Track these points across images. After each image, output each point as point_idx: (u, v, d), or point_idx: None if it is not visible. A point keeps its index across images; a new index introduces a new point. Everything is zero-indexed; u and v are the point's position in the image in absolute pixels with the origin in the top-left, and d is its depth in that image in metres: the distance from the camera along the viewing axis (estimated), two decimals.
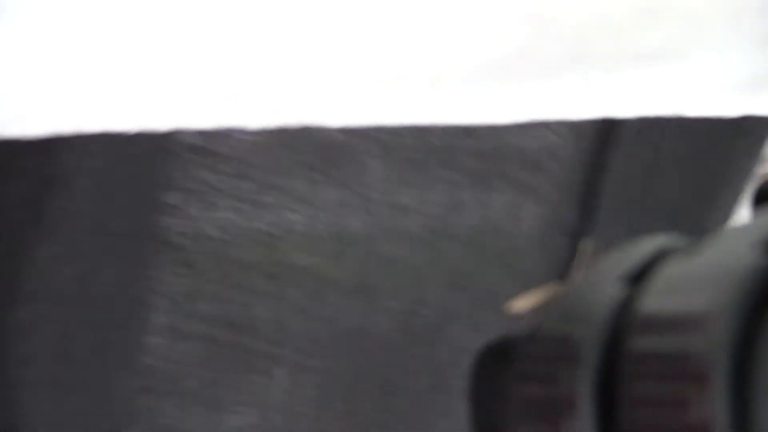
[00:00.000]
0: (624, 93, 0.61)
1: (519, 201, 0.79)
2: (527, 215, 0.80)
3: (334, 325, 0.74)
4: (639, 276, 0.45)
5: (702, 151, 0.85)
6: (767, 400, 0.38)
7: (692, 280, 0.42)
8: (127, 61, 0.43)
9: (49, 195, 0.55)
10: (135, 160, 0.57)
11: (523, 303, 0.86)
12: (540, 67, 0.55)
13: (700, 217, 0.85)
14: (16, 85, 0.43)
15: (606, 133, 0.82)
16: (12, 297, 0.56)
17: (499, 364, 0.48)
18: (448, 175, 0.74)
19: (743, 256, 0.41)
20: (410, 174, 0.71)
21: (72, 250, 0.58)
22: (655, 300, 0.43)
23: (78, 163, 0.55)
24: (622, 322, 0.44)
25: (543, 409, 0.46)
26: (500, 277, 0.82)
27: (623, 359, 0.43)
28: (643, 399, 0.42)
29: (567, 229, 0.84)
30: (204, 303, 0.66)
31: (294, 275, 0.70)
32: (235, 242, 0.66)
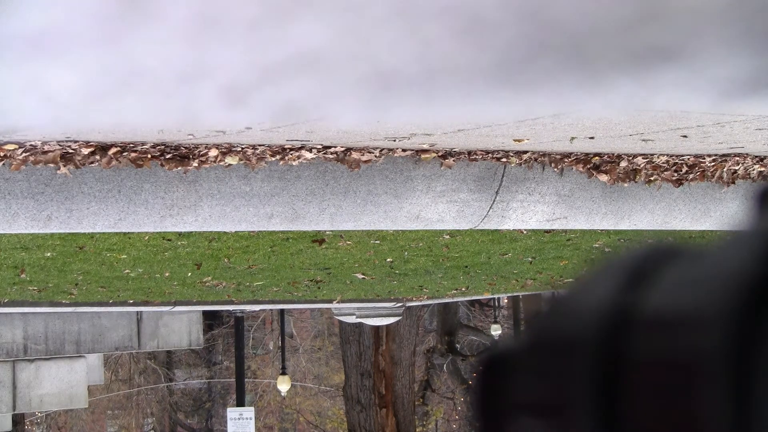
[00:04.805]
0: (624, 93, 0.61)
1: None
2: None
3: None
4: (641, 279, 0.45)
5: None
6: (767, 399, 0.38)
7: (695, 284, 0.42)
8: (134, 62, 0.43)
9: None
10: None
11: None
12: (539, 67, 0.56)
13: None
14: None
15: None
16: None
17: (503, 370, 0.48)
18: None
19: (745, 262, 0.41)
20: None
21: None
22: (659, 302, 0.43)
23: None
24: (623, 323, 0.44)
25: (546, 411, 0.46)
26: None
27: (625, 359, 0.43)
28: (644, 398, 0.42)
29: None
30: None
31: None
32: None
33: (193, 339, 14.80)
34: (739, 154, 6.12)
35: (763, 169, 6.29)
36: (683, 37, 1.84)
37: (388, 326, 15.84)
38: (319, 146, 5.16)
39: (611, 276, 0.45)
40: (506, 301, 23.77)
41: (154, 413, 28.26)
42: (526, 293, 13.38)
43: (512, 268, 10.17)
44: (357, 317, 12.77)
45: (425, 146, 5.37)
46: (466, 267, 9.84)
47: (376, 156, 5.36)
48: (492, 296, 18.27)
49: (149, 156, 4.94)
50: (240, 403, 18.00)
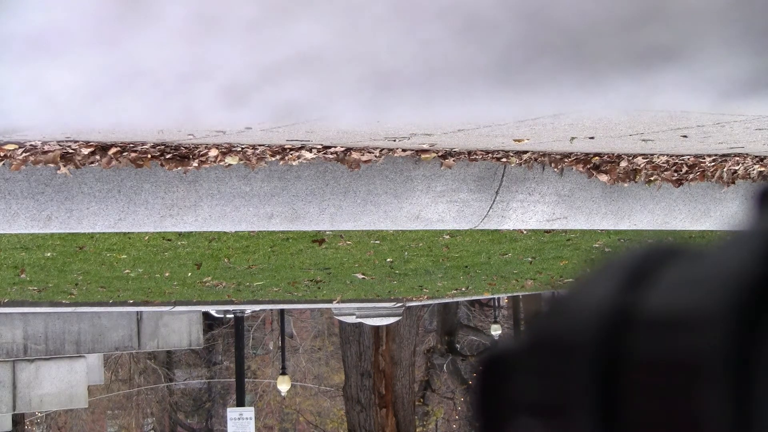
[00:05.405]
0: (624, 93, 0.60)
1: None
2: None
3: None
4: (641, 279, 0.45)
5: None
6: (767, 399, 0.38)
7: (695, 284, 0.42)
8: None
9: None
10: None
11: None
12: (539, 67, 0.56)
13: None
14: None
15: None
16: None
17: (503, 370, 0.48)
18: None
19: (745, 262, 0.41)
20: None
21: None
22: (659, 302, 0.43)
23: None
24: (623, 323, 0.44)
25: (546, 411, 0.46)
26: None
27: (624, 359, 0.43)
28: (644, 399, 0.42)
29: None
30: None
31: None
32: None
33: (193, 339, 14.80)
34: (739, 154, 6.12)
35: (763, 169, 6.29)
36: (683, 37, 1.84)
37: (388, 326, 15.84)
38: (319, 146, 5.16)
39: (611, 276, 0.45)
40: (506, 301, 23.78)
41: (154, 413, 28.26)
42: (526, 293, 13.37)
43: (512, 268, 10.17)
44: (357, 317, 12.77)
45: (425, 146, 5.37)
46: (466, 267, 9.84)
47: (376, 156, 5.36)
48: (492, 296, 18.28)
49: (149, 156, 4.94)
50: (240, 403, 18.00)
